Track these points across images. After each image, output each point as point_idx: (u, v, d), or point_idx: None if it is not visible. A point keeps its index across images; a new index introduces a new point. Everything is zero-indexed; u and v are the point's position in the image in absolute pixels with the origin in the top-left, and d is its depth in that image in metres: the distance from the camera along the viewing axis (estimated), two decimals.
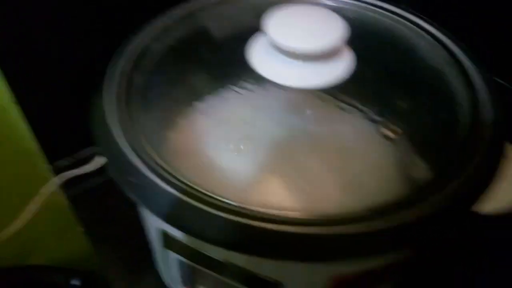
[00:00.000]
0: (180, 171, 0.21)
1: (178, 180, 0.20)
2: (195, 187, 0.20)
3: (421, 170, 0.21)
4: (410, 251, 0.19)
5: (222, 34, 0.29)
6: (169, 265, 0.29)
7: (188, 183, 0.20)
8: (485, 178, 0.21)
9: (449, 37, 0.28)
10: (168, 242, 0.25)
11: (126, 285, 0.40)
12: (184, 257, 0.25)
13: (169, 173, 0.21)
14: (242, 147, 0.24)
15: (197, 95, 0.27)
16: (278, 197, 0.22)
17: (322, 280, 0.23)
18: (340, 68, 0.24)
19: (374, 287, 0.25)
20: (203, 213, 0.19)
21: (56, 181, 0.27)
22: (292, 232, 0.18)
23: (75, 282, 0.30)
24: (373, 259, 0.19)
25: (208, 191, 0.20)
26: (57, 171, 0.27)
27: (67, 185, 0.28)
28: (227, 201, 0.20)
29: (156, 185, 0.20)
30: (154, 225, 0.26)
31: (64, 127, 0.39)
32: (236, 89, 0.26)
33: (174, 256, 0.26)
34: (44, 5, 0.34)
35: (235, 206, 0.19)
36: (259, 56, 0.25)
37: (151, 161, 0.21)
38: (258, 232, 0.18)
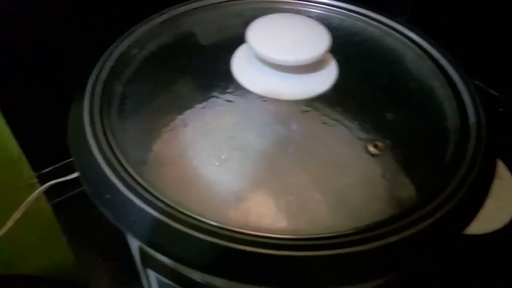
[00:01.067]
0: (158, 187, 0.20)
1: (156, 197, 0.19)
2: (173, 205, 0.19)
3: (407, 188, 0.20)
4: (396, 273, 0.19)
5: (204, 42, 0.28)
6: (150, 282, 0.28)
7: (166, 201, 0.19)
8: (475, 197, 0.21)
9: (436, 48, 0.28)
10: (147, 260, 0.24)
11: None
12: (163, 276, 0.24)
13: (146, 190, 0.20)
14: (224, 162, 0.23)
15: (178, 106, 0.26)
16: (260, 216, 0.21)
17: None
18: (324, 79, 0.24)
19: None
20: (181, 234, 0.18)
21: (41, 189, 0.26)
22: (273, 255, 0.17)
23: None
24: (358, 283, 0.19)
25: (186, 209, 0.19)
26: (42, 179, 0.27)
27: (50, 194, 0.28)
28: (206, 220, 0.19)
29: (131, 202, 0.19)
30: (133, 241, 0.25)
31: (48, 135, 0.38)
32: (219, 100, 0.25)
33: (153, 274, 0.25)
34: (22, 13, 0.33)
35: (214, 226, 0.18)
36: (242, 66, 0.25)
37: (128, 176, 0.20)
38: (237, 255, 0.17)
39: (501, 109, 0.52)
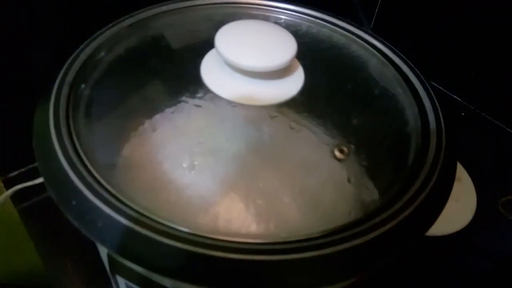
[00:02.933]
0: (126, 192, 0.20)
1: (123, 203, 0.19)
2: (141, 211, 0.19)
3: (371, 191, 0.21)
4: (361, 275, 0.19)
5: (173, 45, 0.28)
6: None
7: (134, 207, 0.19)
8: (436, 200, 0.21)
9: (398, 56, 0.29)
10: (116, 266, 0.24)
11: None
12: (133, 283, 0.24)
13: (113, 196, 0.20)
14: (193, 166, 0.23)
15: (147, 110, 0.26)
16: (229, 220, 0.22)
17: None
18: (292, 85, 0.24)
19: None
20: (149, 240, 0.18)
21: (7, 193, 0.25)
22: (242, 260, 0.17)
23: None
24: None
25: (155, 215, 0.19)
26: (8, 183, 0.26)
27: (18, 198, 0.27)
28: (175, 226, 0.19)
29: (98, 209, 0.19)
30: (101, 248, 0.24)
31: (15, 138, 0.37)
32: (188, 104, 0.25)
33: (122, 281, 0.25)
34: None
35: (183, 232, 0.18)
36: (211, 71, 0.25)
37: (94, 182, 0.20)
38: (206, 261, 0.17)
39: (463, 113, 0.55)
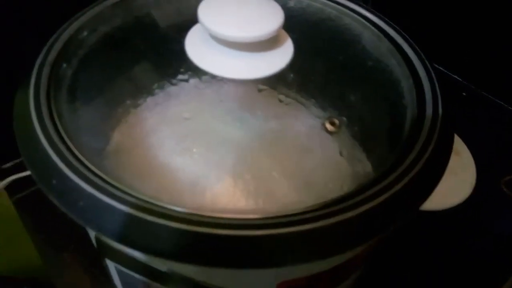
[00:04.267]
0: (110, 171, 0.19)
1: (105, 182, 0.19)
2: (124, 189, 0.18)
3: (364, 164, 0.20)
4: (353, 249, 0.18)
5: (158, 23, 0.27)
6: (111, 274, 0.27)
7: (116, 185, 0.19)
8: (431, 172, 0.21)
9: (393, 28, 0.28)
10: (104, 249, 0.23)
11: None
12: (121, 265, 0.23)
13: (95, 174, 0.19)
14: (179, 143, 0.22)
15: (132, 88, 0.25)
16: (219, 197, 0.21)
17: (271, 286, 0.22)
18: (280, 58, 0.23)
19: None
20: (132, 218, 0.18)
21: (1, 185, 0.24)
22: (240, 236, 0.17)
23: None
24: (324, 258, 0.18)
25: (138, 193, 0.18)
26: (2, 174, 0.25)
27: (12, 189, 0.26)
28: (160, 204, 0.18)
29: (79, 188, 0.18)
30: (90, 232, 0.24)
31: (8, 128, 0.36)
32: (174, 81, 0.24)
33: (111, 264, 0.24)
34: None
35: (168, 209, 0.18)
36: (197, 46, 0.24)
37: (75, 160, 0.19)
38: (204, 239, 0.17)
39: (464, 93, 0.54)
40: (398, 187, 0.19)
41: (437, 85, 0.24)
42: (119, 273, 0.25)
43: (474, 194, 0.37)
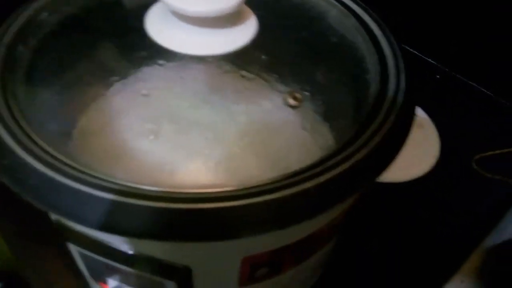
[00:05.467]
0: (76, 156, 0.19)
1: (56, 159, 0.18)
2: (76, 166, 0.18)
3: (326, 137, 0.20)
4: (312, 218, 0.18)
5: (119, 3, 0.27)
6: (75, 258, 0.26)
7: (69, 162, 0.18)
8: (392, 143, 0.21)
9: (359, 6, 0.28)
10: (64, 233, 0.23)
11: (46, 285, 0.37)
12: (82, 248, 0.23)
13: (47, 153, 0.18)
14: (141, 122, 0.22)
15: (93, 71, 0.24)
16: (185, 175, 0.21)
17: (234, 262, 0.21)
18: (243, 34, 0.23)
19: (285, 270, 0.24)
20: (85, 195, 0.17)
21: None
22: (201, 209, 0.17)
23: None
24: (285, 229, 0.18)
25: (92, 170, 0.18)
26: None
27: None
28: (113, 180, 0.18)
29: (29, 166, 0.18)
30: (52, 215, 0.23)
31: None
32: (135, 60, 0.23)
33: (74, 248, 0.24)
34: None
35: (121, 185, 0.17)
36: (158, 24, 0.23)
37: (28, 140, 0.19)
38: (165, 214, 0.17)
39: (438, 76, 0.54)
40: (356, 158, 0.19)
41: (400, 61, 0.24)
42: (82, 257, 0.24)
43: (445, 171, 0.38)
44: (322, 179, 0.18)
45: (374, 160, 0.19)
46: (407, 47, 0.52)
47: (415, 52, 0.55)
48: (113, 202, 0.17)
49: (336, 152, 0.19)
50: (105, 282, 0.25)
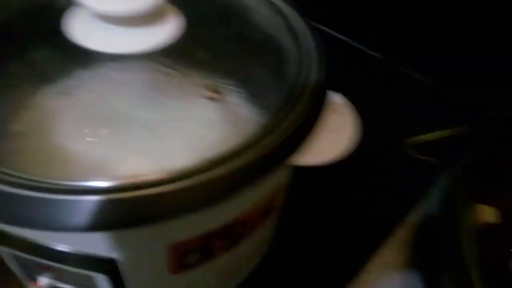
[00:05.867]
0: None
1: None
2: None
3: (248, 125, 0.21)
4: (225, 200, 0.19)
5: (40, 4, 0.27)
6: (8, 261, 0.26)
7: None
8: (305, 130, 0.22)
9: (287, 2, 0.29)
10: None
11: None
12: (10, 248, 0.23)
13: None
14: (62, 119, 0.22)
15: (16, 75, 0.24)
16: (108, 166, 0.21)
17: (161, 249, 0.22)
18: (165, 31, 0.24)
19: (217, 256, 0.25)
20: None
21: None
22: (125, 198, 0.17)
23: None
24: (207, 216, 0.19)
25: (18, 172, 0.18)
26: None
27: None
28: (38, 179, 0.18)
29: None
30: None
31: None
32: (59, 63, 0.24)
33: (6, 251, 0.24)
34: None
35: (47, 183, 0.18)
36: (80, 25, 0.24)
37: None
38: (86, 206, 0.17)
39: (368, 63, 0.56)
40: (266, 143, 0.20)
41: (320, 52, 0.25)
42: (13, 257, 0.24)
43: (377, 155, 0.40)
44: (234, 164, 0.19)
45: (285, 145, 0.20)
46: (333, 32, 0.53)
47: (342, 37, 0.56)
48: (27, 198, 0.17)
49: (251, 139, 0.20)
50: (36, 281, 0.25)
